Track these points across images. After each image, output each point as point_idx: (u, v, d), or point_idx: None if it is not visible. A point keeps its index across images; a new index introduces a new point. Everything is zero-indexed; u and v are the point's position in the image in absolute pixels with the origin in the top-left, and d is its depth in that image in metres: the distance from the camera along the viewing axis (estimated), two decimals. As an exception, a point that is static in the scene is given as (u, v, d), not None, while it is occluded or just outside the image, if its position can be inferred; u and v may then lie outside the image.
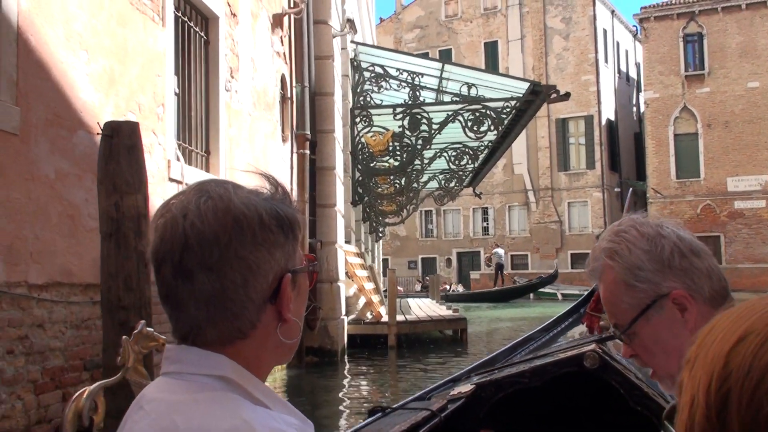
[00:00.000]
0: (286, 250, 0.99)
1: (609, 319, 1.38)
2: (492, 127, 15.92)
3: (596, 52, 44.80)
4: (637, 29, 47.96)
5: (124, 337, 6.46)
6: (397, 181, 21.28)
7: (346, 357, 11.58)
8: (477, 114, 15.72)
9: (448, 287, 38.74)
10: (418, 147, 15.91)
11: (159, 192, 6.05)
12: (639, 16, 41.44)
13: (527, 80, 16.72)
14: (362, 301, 12.18)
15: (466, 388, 3.34)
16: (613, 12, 47.54)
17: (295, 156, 10.02)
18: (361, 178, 16.71)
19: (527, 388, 3.33)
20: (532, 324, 17.25)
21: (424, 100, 16.29)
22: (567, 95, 15.44)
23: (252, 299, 0.96)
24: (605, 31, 46.20)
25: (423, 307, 17.78)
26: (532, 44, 46.54)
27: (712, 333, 0.61)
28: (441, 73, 16.63)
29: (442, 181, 24.44)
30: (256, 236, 0.95)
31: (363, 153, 16.46)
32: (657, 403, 2.74)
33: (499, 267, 39.98)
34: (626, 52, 49.90)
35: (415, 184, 24.10)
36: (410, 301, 23.52)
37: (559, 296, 37.46)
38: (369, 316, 12.36)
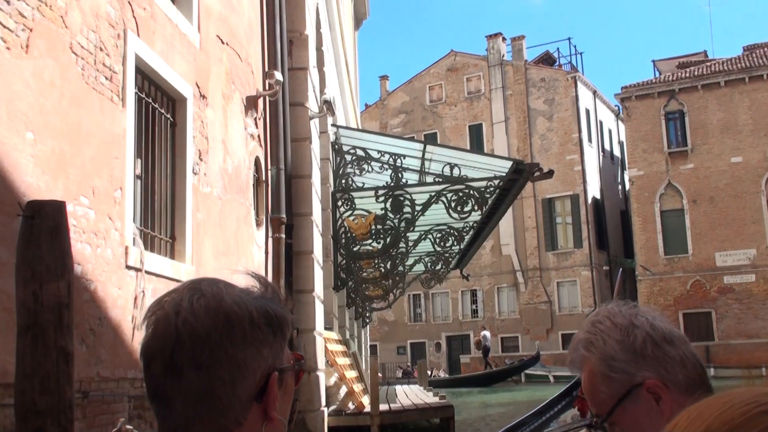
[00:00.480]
0: (274, 348, 1.01)
1: (590, 408, 1.39)
2: (476, 207, 15.66)
3: (579, 131, 45.21)
4: (619, 108, 48.59)
5: (122, 419, 5.63)
6: (382, 265, 20.93)
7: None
8: (460, 194, 15.48)
9: (430, 372, 37.95)
10: (401, 229, 15.60)
11: (114, 281, 5.66)
12: (620, 96, 41.96)
13: (510, 158, 16.59)
14: (344, 390, 11.65)
15: None
16: (595, 92, 48.21)
17: (270, 240, 9.65)
18: (344, 263, 16.34)
19: None
20: (523, 409, 16.68)
21: (407, 181, 16.07)
22: (550, 173, 15.24)
23: (239, 397, 0.97)
24: (588, 111, 46.74)
25: (410, 395, 17.16)
26: (516, 126, 46.97)
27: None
28: (423, 154, 16.46)
29: (429, 264, 24.11)
30: (246, 335, 0.98)
31: (345, 237, 16.13)
32: None
33: (486, 350, 39.40)
34: (609, 131, 50.41)
35: (400, 267, 23.74)
36: (398, 388, 22.86)
37: (551, 378, 36.70)
38: (351, 406, 11.79)
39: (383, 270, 21.05)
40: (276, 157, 9.83)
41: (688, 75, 41.02)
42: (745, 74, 39.07)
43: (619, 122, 50.84)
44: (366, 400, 11.91)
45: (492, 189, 15.51)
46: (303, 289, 10.11)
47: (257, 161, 9.59)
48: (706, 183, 39.37)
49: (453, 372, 44.89)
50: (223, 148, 8.26)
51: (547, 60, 51.71)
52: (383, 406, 13.02)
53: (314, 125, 11.27)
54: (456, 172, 15.78)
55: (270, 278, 9.42)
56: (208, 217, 7.63)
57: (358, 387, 12.33)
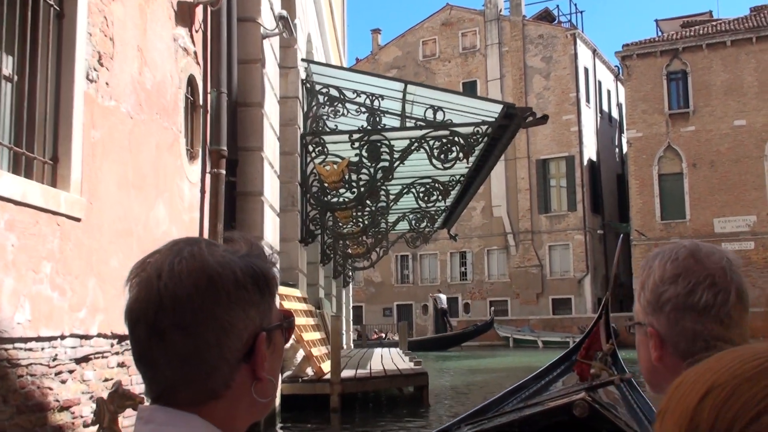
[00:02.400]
0: (261, 308, 0.99)
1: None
2: (461, 156, 14.06)
3: (577, 91, 43.51)
4: (619, 69, 46.86)
5: (98, 396, 5.52)
6: (361, 219, 19.41)
7: (278, 424, 9.55)
8: (444, 140, 13.91)
9: (383, 336, 36.56)
10: (379, 178, 14.02)
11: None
12: (621, 54, 40.18)
13: (500, 102, 14.97)
14: (301, 354, 10.19)
15: None
16: (594, 51, 46.40)
17: (208, 177, 8.11)
18: (315, 214, 14.79)
19: None
20: (510, 377, 15.32)
21: (385, 126, 14.48)
22: (545, 118, 13.65)
23: (226, 359, 0.96)
24: (586, 70, 44.99)
25: (385, 359, 15.75)
26: (511, 83, 45.22)
27: (681, 387, 0.63)
28: (404, 96, 14.84)
29: (413, 222, 22.56)
30: (231, 296, 0.96)
31: (316, 185, 14.58)
32: None
33: (443, 312, 38.14)
34: (608, 92, 48.69)
35: (383, 224, 22.27)
36: (376, 351, 21.49)
37: (540, 344, 35.56)
38: (309, 372, 10.34)
39: (362, 225, 19.57)
40: (217, 79, 8.24)
41: (692, 34, 39.26)
42: (752, 34, 37.32)
43: (619, 83, 49.11)
44: (327, 366, 10.46)
45: (479, 136, 13.91)
46: (228, 240, 8.55)
47: (192, 81, 8.00)
48: (707, 146, 37.82)
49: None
50: (139, 56, 6.67)
51: (546, 17, 49.84)
52: (349, 372, 11.60)
53: (269, 46, 9.65)
54: (440, 116, 14.15)
55: (206, 222, 7.90)
56: (110, 137, 6.07)
57: (318, 351, 10.88)
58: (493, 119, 14.00)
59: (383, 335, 33.75)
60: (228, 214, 8.41)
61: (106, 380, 5.94)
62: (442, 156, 14.11)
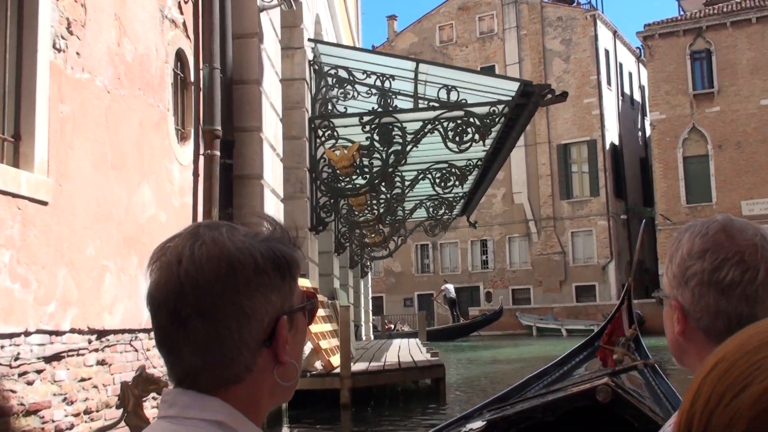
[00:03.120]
0: (282, 291, 0.99)
1: None
2: (477, 138, 13.41)
3: (598, 73, 42.58)
4: (640, 51, 45.87)
5: (122, 380, 5.55)
6: (376, 207, 18.83)
7: (285, 421, 9.00)
8: (459, 122, 13.26)
9: (393, 327, 35.87)
10: (391, 162, 13.41)
11: None
12: (643, 34, 39.19)
13: (517, 79, 14.29)
14: (309, 347, 9.63)
15: (477, 424, 3.50)
16: (615, 32, 45.40)
17: (201, 159, 7.55)
18: (326, 201, 14.20)
19: (540, 423, 3.36)
20: (532, 368, 14.67)
21: (397, 107, 13.85)
22: (564, 95, 12.97)
23: (247, 344, 0.96)
24: (607, 52, 44.02)
25: (402, 351, 15.18)
26: (530, 68, 44.33)
27: (704, 362, 0.62)
28: (416, 76, 14.21)
29: (431, 209, 21.91)
30: (251, 281, 0.95)
31: (326, 171, 14.00)
32: None
33: (452, 303, 37.43)
34: (630, 74, 47.67)
35: (399, 212, 21.70)
36: (395, 342, 20.95)
37: (564, 332, 34.82)
38: (318, 366, 9.78)
39: (377, 213, 18.99)
40: (210, 54, 7.67)
41: (716, 12, 38.19)
42: (778, 10, 36.27)
43: (641, 65, 48.11)
44: (337, 360, 9.89)
45: (496, 116, 13.25)
46: (247, 223, 7.99)
47: (182, 56, 7.43)
48: (732, 127, 36.81)
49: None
50: (117, 26, 6.11)
51: (564, 0, 48.88)
52: (362, 365, 11.04)
53: (268, 20, 9.06)
54: (454, 96, 13.49)
55: (200, 206, 7.35)
56: (83, 112, 5.52)
57: (329, 343, 10.31)
58: (510, 98, 13.35)
59: (392, 326, 32.95)
60: (225, 199, 7.86)
61: (82, 380, 5.41)
62: (457, 138, 13.48)
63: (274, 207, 9.08)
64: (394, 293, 46.41)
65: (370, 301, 30.76)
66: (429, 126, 13.34)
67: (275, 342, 0.97)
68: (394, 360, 12.27)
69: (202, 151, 7.60)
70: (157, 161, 6.71)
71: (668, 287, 1.35)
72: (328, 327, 10.98)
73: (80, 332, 5.37)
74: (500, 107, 13.24)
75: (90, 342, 5.53)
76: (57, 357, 5.11)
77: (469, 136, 13.39)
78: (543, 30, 44.28)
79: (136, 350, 6.23)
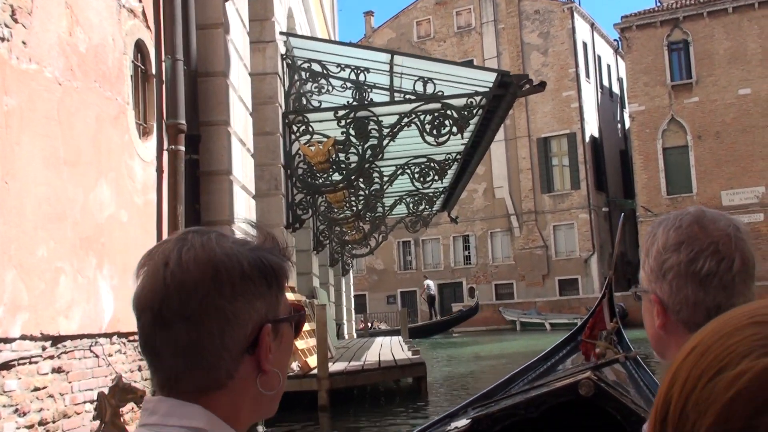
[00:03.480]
0: (268, 300, 0.98)
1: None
2: (455, 130, 13.14)
3: (576, 66, 42.50)
4: (618, 43, 45.84)
5: (99, 391, 5.29)
6: (354, 203, 18.52)
7: (260, 426, 8.70)
8: (436, 114, 12.99)
9: (370, 324, 35.57)
10: (367, 156, 13.10)
11: None
12: (620, 26, 39.11)
13: (494, 70, 14.03)
14: (284, 349, 9.32)
15: (462, 422, 3.49)
16: (592, 25, 45.34)
17: (166, 155, 7.22)
18: (302, 198, 13.87)
19: (524, 419, 3.40)
20: (515, 363, 14.45)
21: (372, 101, 13.56)
22: (542, 85, 12.72)
23: (228, 349, 0.96)
24: (585, 45, 43.95)
25: (383, 349, 14.90)
26: (509, 61, 44.14)
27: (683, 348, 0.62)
28: (391, 68, 13.93)
29: (411, 205, 21.62)
30: (235, 287, 0.95)
31: (301, 168, 13.67)
32: None
33: (432, 299, 37.17)
34: (608, 66, 47.65)
35: (379, 208, 21.42)
36: (378, 340, 20.68)
37: (548, 326, 34.71)
38: (295, 367, 9.48)
39: (356, 209, 18.68)
40: (172, 45, 7.35)
41: (692, 2, 38.16)
42: (754, -1, 36.27)
43: (619, 58, 48.09)
44: (314, 360, 9.59)
45: (474, 108, 12.99)
46: (216, 221, 7.73)
47: (141, 47, 7.10)
48: (711, 117, 36.80)
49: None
50: (69, 14, 5.77)
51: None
52: (341, 365, 10.74)
53: (234, 11, 8.74)
54: (431, 89, 13.22)
55: (165, 204, 7.02)
56: (30, 106, 5.19)
57: (305, 343, 10.01)
58: (488, 89, 13.10)
59: (368, 324, 32.52)
60: (191, 196, 7.54)
61: (36, 389, 5.08)
62: (435, 131, 13.20)
63: (245, 204, 8.77)
64: (377, 291, 46.14)
65: (353, 299, 30.44)
66: (405, 119, 13.04)
67: (258, 349, 0.96)
68: (374, 359, 11.99)
69: (165, 146, 7.28)
70: (116, 157, 6.38)
71: (646, 281, 1.35)
72: (305, 327, 10.68)
73: (32, 338, 5.05)
74: (478, 99, 12.98)
75: (44, 349, 5.20)
76: (6, 366, 4.78)
77: (447, 128, 13.13)
78: (521, 23, 44.14)
79: (97, 356, 5.90)
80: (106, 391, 5.85)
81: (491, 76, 13.14)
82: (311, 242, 17.35)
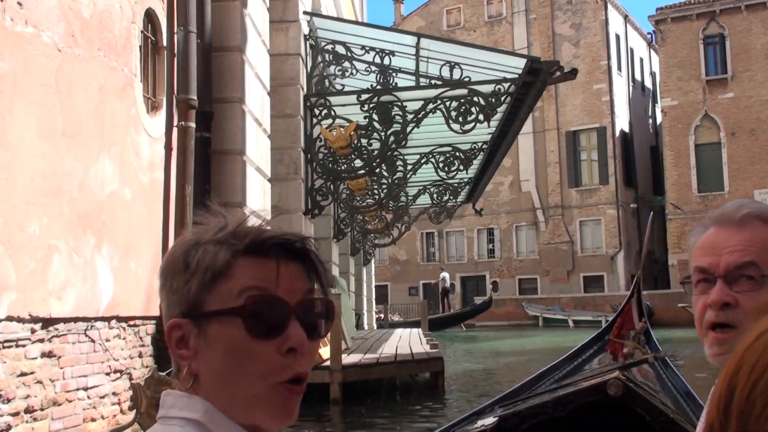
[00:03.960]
0: (183, 293, 0.92)
1: (744, 257, 1.29)
2: (482, 118, 12.69)
3: (609, 59, 41.69)
4: (652, 37, 44.95)
5: (135, 381, 5.67)
6: (377, 192, 18.11)
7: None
8: (462, 101, 12.55)
9: (383, 316, 35.12)
10: (390, 143, 12.70)
11: None
12: (655, 18, 38.27)
13: (524, 56, 13.54)
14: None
15: (489, 420, 3.52)
16: (626, 17, 44.46)
17: (175, 131, 6.87)
18: (323, 183, 13.49)
19: (551, 418, 3.40)
20: (536, 360, 14.06)
21: (397, 85, 13.14)
22: (573, 72, 12.24)
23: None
24: (618, 37, 43.10)
25: (402, 342, 14.52)
26: (540, 52, 43.34)
27: (743, 337, 0.62)
28: (417, 52, 13.50)
29: (435, 195, 21.16)
30: (166, 279, 0.94)
31: (322, 152, 13.30)
32: (683, 428, 2.70)
33: (445, 292, 36.50)
34: (641, 60, 46.74)
35: (402, 197, 21.02)
36: (397, 331, 20.32)
37: (571, 323, 34.14)
38: (307, 358, 9.13)
39: (378, 197, 18.28)
40: (185, 17, 6.99)
41: (730, -5, 37.27)
42: (794, -7, 35.30)
43: (652, 51, 47.16)
44: (327, 352, 9.23)
45: (501, 95, 12.54)
46: (228, 202, 7.37)
47: (152, 17, 6.75)
48: (746, 114, 35.92)
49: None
50: (72, -23, 5.42)
51: (575, -16, 47.93)
52: (355, 358, 10.37)
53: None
54: (457, 74, 12.76)
55: (173, 183, 6.67)
56: (26, 72, 4.85)
57: (319, 334, 9.65)
58: (516, 76, 12.63)
59: (381, 316, 32.01)
60: (202, 176, 7.19)
61: (22, 375, 4.75)
62: (461, 119, 12.75)
63: (259, 187, 8.41)
64: (399, 282, 45.75)
65: (374, 289, 30.07)
66: (431, 105, 12.62)
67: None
68: (391, 352, 11.62)
69: (175, 122, 6.93)
70: (121, 131, 6.04)
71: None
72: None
73: (20, 320, 4.72)
74: (506, 85, 12.53)
75: (33, 332, 4.87)
76: (-11, 349, 4.47)
77: (473, 116, 12.69)
78: (552, 14, 43.40)
79: (93, 341, 5.57)
80: (141, 382, 5.65)
81: (520, 62, 12.67)
82: (331, 230, 17.02)
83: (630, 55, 44.68)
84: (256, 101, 8.33)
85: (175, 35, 7.01)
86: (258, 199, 8.17)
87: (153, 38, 6.81)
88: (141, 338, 6.28)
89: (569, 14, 43.12)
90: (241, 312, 0.88)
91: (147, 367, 6.28)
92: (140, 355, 6.25)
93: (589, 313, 34.28)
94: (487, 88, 12.50)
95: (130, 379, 6.02)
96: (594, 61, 42.04)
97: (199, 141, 7.15)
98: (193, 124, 6.87)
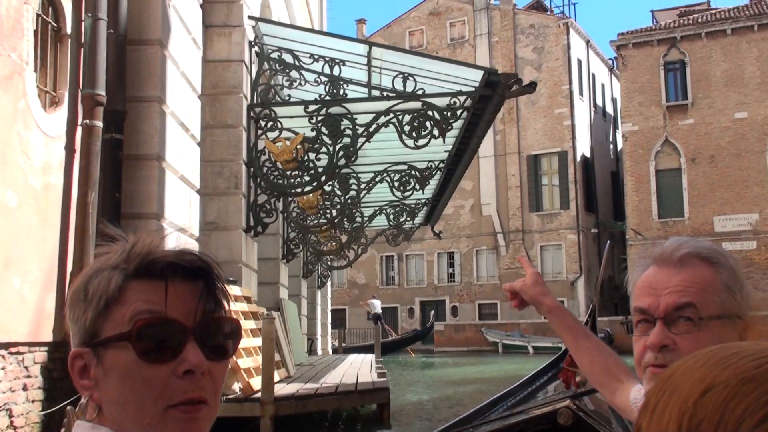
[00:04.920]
0: (82, 322, 0.91)
1: (682, 298, 1.31)
2: (437, 133, 11.98)
3: (570, 83, 41.54)
4: (613, 63, 44.97)
5: (68, 407, 5.03)
6: (329, 210, 17.30)
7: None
8: (416, 114, 11.84)
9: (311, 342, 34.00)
10: (338, 156, 11.92)
11: None
12: (616, 43, 38.15)
13: (480, 67, 12.90)
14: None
15: None
16: (588, 42, 44.44)
17: (79, 131, 6.03)
18: (267, 200, 12.64)
19: None
20: (490, 391, 13.33)
21: (346, 95, 12.40)
22: (532, 85, 11.59)
23: None
24: (580, 62, 43.02)
25: (351, 369, 13.67)
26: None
27: (673, 379, 0.62)
28: (369, 61, 12.78)
29: (391, 216, 20.42)
30: (69, 311, 0.93)
31: (267, 165, 12.47)
32: None
33: (376, 319, 35.78)
34: (602, 86, 46.73)
35: (358, 217, 20.27)
36: (349, 358, 19.46)
37: (531, 349, 33.54)
38: (236, 389, 8.25)
39: (329, 217, 17.47)
40: (94, 2, 6.16)
41: (690, 22, 37.30)
42: (754, 22, 35.36)
43: (613, 77, 47.20)
44: (259, 382, 8.36)
45: (457, 108, 11.85)
46: (141, 213, 6.53)
47: (54, 1, 5.91)
48: (706, 140, 35.81)
49: (426, 342, 41.62)
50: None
51: (537, 9, 47.88)
52: (293, 388, 9.51)
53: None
54: (411, 86, 12.05)
55: (74, 190, 5.82)
56: None
57: (253, 361, 8.79)
58: (473, 89, 11.97)
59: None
60: (111, 182, 6.34)
61: None
62: (414, 133, 12.04)
63: (184, 198, 7.56)
64: (357, 306, 44.81)
65: (329, 313, 29.16)
66: (383, 118, 11.89)
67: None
68: (335, 381, 10.75)
69: (79, 121, 6.08)
70: (4, 126, 5.18)
71: (738, 309, 1.30)
72: (255, 342, 9.44)
73: None
74: (462, 98, 11.84)
75: None
76: None
77: (428, 130, 11.98)
78: (515, 37, 43.20)
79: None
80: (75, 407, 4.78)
81: (477, 75, 12.00)
82: (280, 250, 16.17)
83: (592, 80, 44.61)
84: (182, 104, 7.51)
85: (83, 22, 6.19)
86: (182, 212, 7.32)
87: (55, 24, 5.98)
88: (26, 368, 5.39)
89: (531, 38, 42.95)
90: (130, 337, 0.87)
91: (33, 401, 5.39)
92: (25, 388, 5.36)
93: (550, 339, 33.68)
94: (443, 101, 11.81)
95: (10, 416, 5.12)
96: (556, 86, 41.85)
97: (109, 143, 6.31)
98: (100, 123, 6.04)
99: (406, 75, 11.98)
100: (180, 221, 7.18)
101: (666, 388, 0.61)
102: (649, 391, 0.63)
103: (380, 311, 36.24)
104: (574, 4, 62.51)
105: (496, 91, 11.82)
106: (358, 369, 13.87)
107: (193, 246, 8.18)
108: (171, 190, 7.04)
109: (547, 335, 35.17)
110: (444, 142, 12.96)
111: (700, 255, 1.33)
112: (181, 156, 7.42)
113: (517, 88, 11.77)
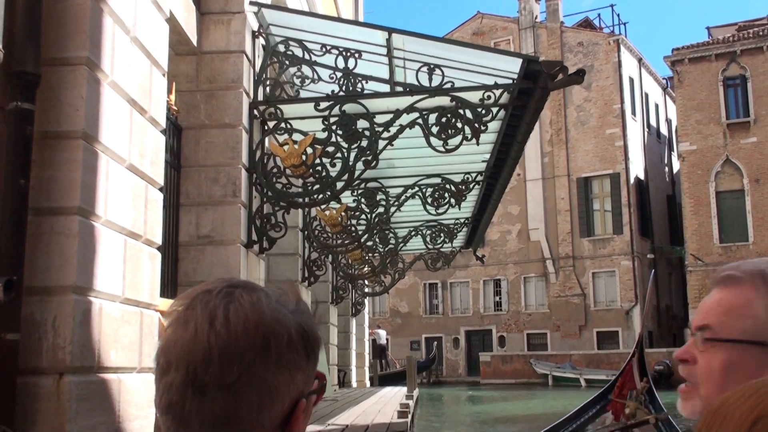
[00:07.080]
0: (306, 372, 0.94)
1: (701, 319, 1.24)
2: (469, 134, 10.25)
3: (622, 102, 39.52)
4: (667, 82, 42.89)
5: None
6: (353, 229, 15.66)
7: None
8: (444, 110, 10.16)
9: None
10: (352, 160, 10.29)
11: None
12: (671, 59, 36.12)
13: (519, 55, 11.19)
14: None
15: None
16: (640, 60, 42.43)
17: (-34, 96, 4.51)
18: (271, 212, 11.04)
19: None
20: (537, 430, 11.62)
21: (363, 90, 10.80)
22: (580, 73, 9.81)
23: (263, 425, 0.90)
24: (632, 80, 41.00)
25: (375, 406, 11.99)
26: (549, 95, 41.33)
27: (722, 411, 0.63)
28: (389, 51, 11.16)
29: (427, 237, 18.74)
30: (282, 357, 0.91)
31: (274, 171, 10.89)
32: None
33: (381, 349, 33.60)
34: (656, 105, 44.57)
35: (391, 239, 18.64)
36: (383, 391, 17.79)
37: (583, 382, 31.38)
38: None
39: (355, 236, 15.83)
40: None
41: (751, 35, 35.16)
42: (819, 33, 33.15)
43: (668, 97, 45.05)
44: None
45: (492, 103, 10.13)
46: (57, 207, 5.00)
47: None
48: (771, 159, 33.53)
49: (472, 372, 39.65)
50: None
51: (585, 27, 46.10)
52: (309, 428, 7.89)
53: None
54: (437, 80, 10.35)
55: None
56: None
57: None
58: (511, 82, 10.25)
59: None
60: (14, 166, 4.82)
61: None
62: (443, 134, 10.32)
63: (138, 196, 5.98)
64: (400, 335, 43.04)
65: (366, 343, 27.44)
66: (405, 116, 10.22)
67: (291, 425, 0.91)
68: (347, 421, 9.08)
69: (-34, 81, 4.57)
70: None
71: (762, 333, 1.15)
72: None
73: None
74: (497, 92, 10.09)
75: None
76: None
77: (458, 130, 10.25)
78: (563, 55, 41.38)
79: None
80: None
81: (515, 64, 10.26)
82: (299, 271, 14.61)
83: (645, 99, 42.55)
84: (132, 77, 5.96)
85: (-24, -45, 4.70)
86: (130, 213, 5.74)
87: (-69, -48, 4.49)
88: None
89: (580, 56, 41.14)
90: (321, 387, 0.97)
91: None
92: None
93: (603, 372, 31.52)
94: (475, 96, 10.08)
95: None
96: (606, 105, 39.89)
97: (15, 115, 4.79)
98: (-9, 85, 4.51)
99: (432, 66, 10.32)
100: (127, 224, 5.60)
101: (716, 418, 0.63)
102: (697, 423, 0.65)
103: (385, 342, 34.27)
104: (625, 24, 60.54)
105: (537, 83, 10.10)
106: (384, 405, 12.19)
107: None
108: (112, 181, 5.48)
109: (601, 367, 33.00)
110: (478, 144, 11.21)
111: (742, 276, 1.19)
112: (129, 140, 5.86)
113: (563, 78, 9.96)
